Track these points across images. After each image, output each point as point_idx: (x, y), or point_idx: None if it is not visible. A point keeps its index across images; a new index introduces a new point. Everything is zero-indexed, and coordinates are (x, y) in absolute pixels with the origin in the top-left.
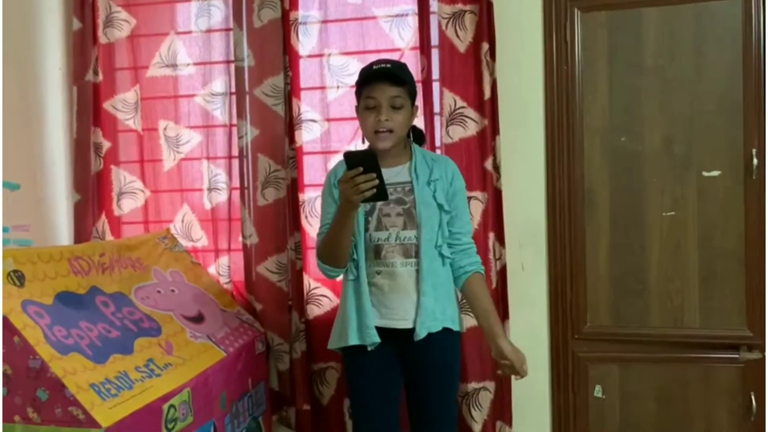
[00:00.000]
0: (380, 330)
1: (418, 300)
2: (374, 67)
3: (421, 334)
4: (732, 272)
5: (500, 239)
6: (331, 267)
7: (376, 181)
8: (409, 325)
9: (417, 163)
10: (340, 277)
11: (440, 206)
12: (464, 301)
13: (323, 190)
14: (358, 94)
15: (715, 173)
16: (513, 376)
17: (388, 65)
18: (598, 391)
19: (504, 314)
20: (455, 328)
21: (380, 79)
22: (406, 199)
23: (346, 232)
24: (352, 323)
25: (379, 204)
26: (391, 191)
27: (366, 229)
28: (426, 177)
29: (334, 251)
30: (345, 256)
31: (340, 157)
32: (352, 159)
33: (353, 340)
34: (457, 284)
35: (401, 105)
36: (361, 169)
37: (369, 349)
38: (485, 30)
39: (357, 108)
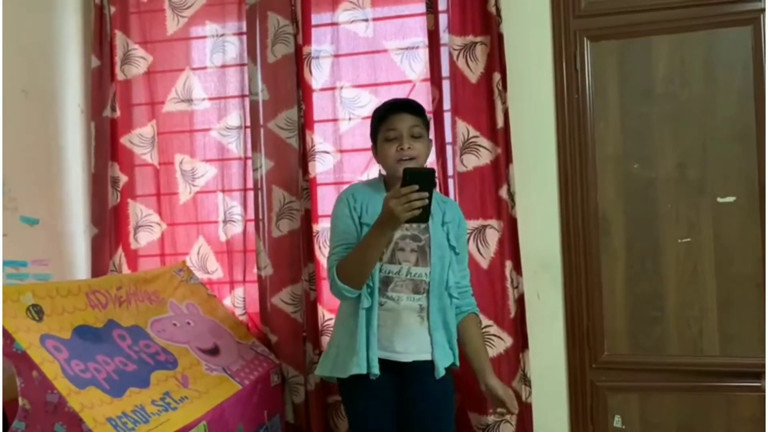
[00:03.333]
0: (378, 361)
1: (431, 337)
2: (389, 102)
3: (441, 371)
4: (751, 298)
5: (517, 268)
6: (351, 287)
7: (426, 201)
8: (408, 359)
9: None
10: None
11: (452, 248)
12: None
13: (336, 211)
14: (375, 130)
15: (730, 199)
16: (505, 416)
17: (403, 99)
18: (617, 421)
19: (524, 344)
20: (457, 362)
21: (399, 110)
22: (422, 236)
23: (377, 250)
24: (360, 352)
25: (396, 237)
26: (406, 227)
27: (380, 260)
28: (440, 218)
29: (360, 270)
30: (367, 276)
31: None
32: (411, 175)
33: (359, 370)
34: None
35: (420, 134)
36: (417, 186)
37: (372, 378)
38: (497, 60)
39: (373, 148)
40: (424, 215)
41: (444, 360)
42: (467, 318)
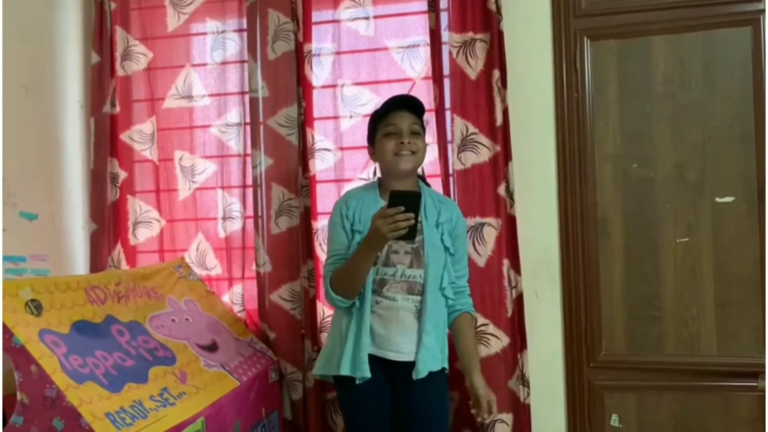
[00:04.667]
0: (372, 357)
1: (419, 338)
2: (391, 99)
3: (422, 372)
4: (748, 299)
5: (515, 266)
6: (343, 298)
7: (413, 222)
8: (401, 359)
9: (427, 204)
10: None
11: (446, 249)
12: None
13: (332, 219)
14: (373, 128)
15: (729, 199)
16: (479, 417)
17: (404, 95)
18: (614, 420)
19: (522, 343)
20: (447, 368)
21: (399, 107)
22: (415, 239)
23: (367, 265)
24: (347, 353)
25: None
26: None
27: (374, 263)
28: (434, 219)
29: (350, 283)
30: (359, 289)
31: (353, 185)
32: (397, 197)
33: (345, 371)
34: (447, 320)
35: (419, 132)
36: (403, 208)
37: (357, 382)
38: (496, 58)
39: (370, 149)
40: (410, 234)
41: (429, 364)
42: (460, 317)
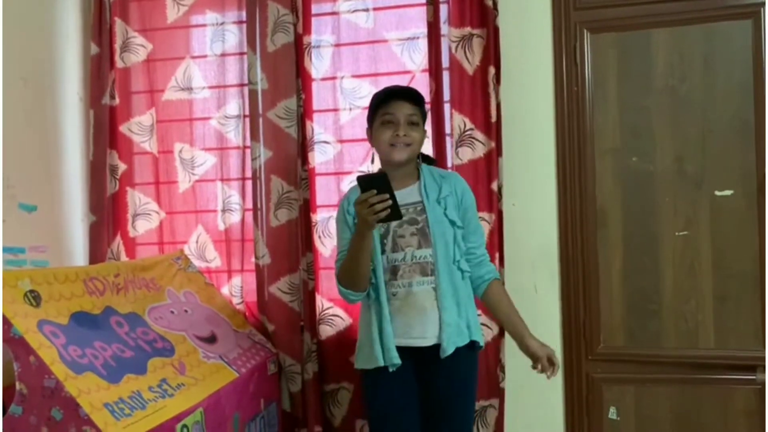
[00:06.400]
0: (398, 348)
1: (439, 317)
2: (390, 88)
3: (448, 350)
4: (747, 292)
5: (500, 260)
6: (352, 291)
7: (390, 202)
8: (427, 343)
9: (426, 182)
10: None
11: (452, 222)
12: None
13: (337, 217)
14: (372, 114)
15: (728, 192)
16: (547, 373)
17: (404, 86)
18: (612, 413)
19: (502, 332)
20: (480, 341)
21: (398, 97)
22: (419, 218)
23: (364, 254)
24: (376, 345)
25: (393, 226)
26: (403, 212)
27: (383, 252)
28: (435, 195)
29: (353, 275)
30: (365, 280)
31: (352, 178)
32: (364, 182)
33: (380, 362)
34: (478, 294)
35: (417, 123)
36: (375, 191)
37: (390, 370)
38: (492, 54)
39: (369, 130)
40: (394, 213)
41: (454, 340)
42: (490, 287)
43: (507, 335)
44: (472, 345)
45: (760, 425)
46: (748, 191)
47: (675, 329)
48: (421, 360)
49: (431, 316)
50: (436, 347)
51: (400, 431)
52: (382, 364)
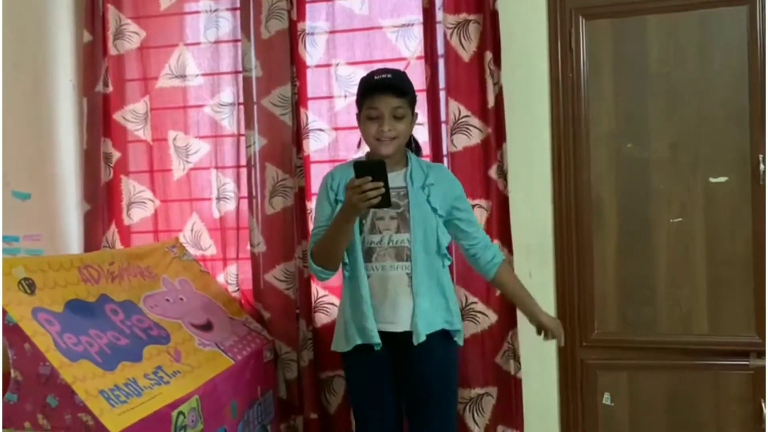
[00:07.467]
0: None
1: (413, 303)
2: (375, 77)
3: (420, 335)
4: (740, 279)
5: (508, 246)
6: (323, 269)
7: (383, 190)
8: (398, 329)
9: (413, 169)
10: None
11: (434, 210)
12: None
13: (319, 191)
14: (360, 102)
15: (722, 179)
16: (556, 341)
17: (389, 75)
18: (606, 399)
19: (512, 321)
20: (458, 328)
21: (382, 90)
22: (401, 203)
23: (345, 235)
24: (350, 325)
25: None
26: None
27: (360, 232)
28: (421, 182)
29: (329, 254)
30: (339, 260)
31: None
32: (361, 168)
33: (357, 341)
34: (489, 278)
35: (403, 115)
36: (370, 178)
37: (376, 348)
38: (489, 39)
39: (358, 115)
40: (385, 201)
41: (426, 325)
42: (499, 269)
43: (503, 329)
44: (447, 334)
45: (754, 411)
46: (742, 178)
47: (669, 315)
48: (395, 346)
49: (403, 302)
50: (410, 333)
51: (378, 407)
52: (359, 342)
